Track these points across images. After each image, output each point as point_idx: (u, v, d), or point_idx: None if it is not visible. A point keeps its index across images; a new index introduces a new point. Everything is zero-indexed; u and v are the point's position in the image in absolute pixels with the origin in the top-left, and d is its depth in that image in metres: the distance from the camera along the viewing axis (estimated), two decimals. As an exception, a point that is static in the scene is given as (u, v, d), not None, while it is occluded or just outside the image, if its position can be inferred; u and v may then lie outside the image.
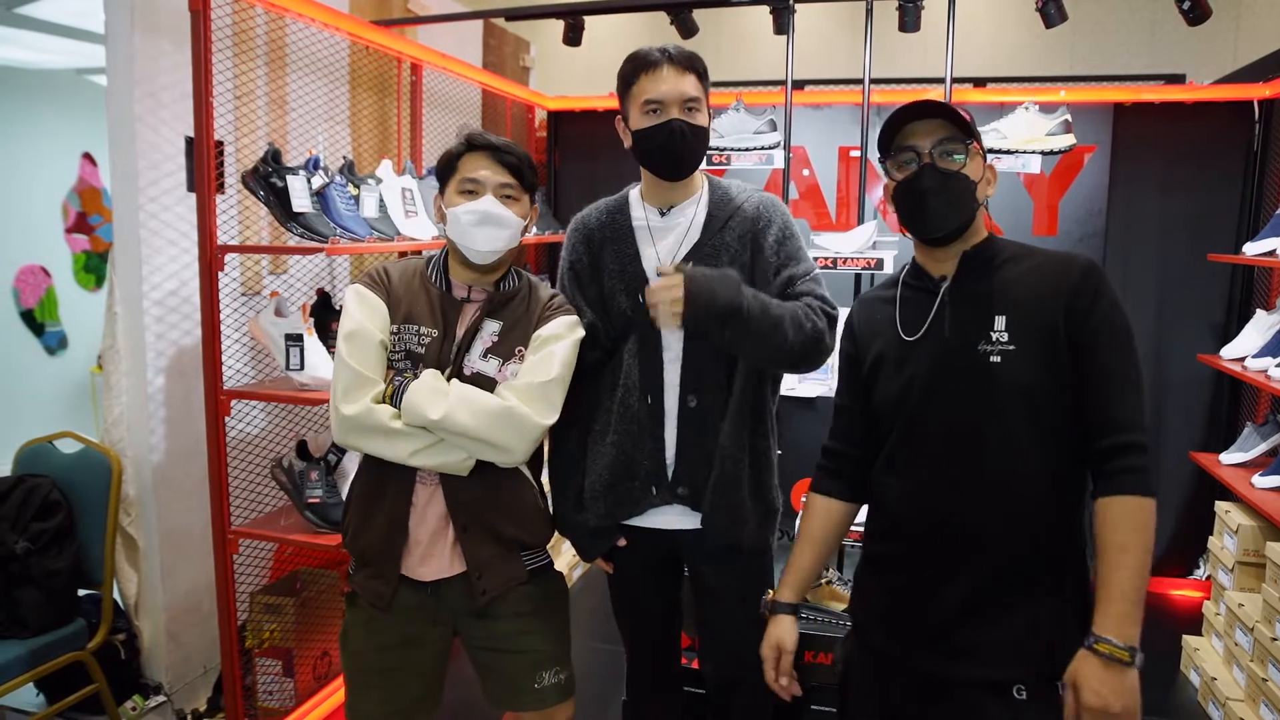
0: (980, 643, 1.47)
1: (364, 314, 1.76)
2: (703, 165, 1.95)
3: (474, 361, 1.80)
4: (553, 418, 1.79)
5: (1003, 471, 1.46)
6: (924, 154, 1.50)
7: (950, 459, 1.50)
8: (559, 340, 1.81)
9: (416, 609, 1.83)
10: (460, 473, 1.76)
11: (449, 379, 1.76)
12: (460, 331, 1.81)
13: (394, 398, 1.72)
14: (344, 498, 1.99)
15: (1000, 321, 1.46)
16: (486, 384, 1.78)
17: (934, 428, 1.52)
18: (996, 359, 1.45)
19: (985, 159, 1.55)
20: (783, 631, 1.71)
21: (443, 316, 1.81)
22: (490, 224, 1.77)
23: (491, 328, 1.82)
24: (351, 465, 2.60)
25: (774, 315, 1.75)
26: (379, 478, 1.81)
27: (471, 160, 1.81)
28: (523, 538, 1.86)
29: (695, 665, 2.50)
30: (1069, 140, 2.57)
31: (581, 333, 1.86)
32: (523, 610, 1.87)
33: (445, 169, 1.85)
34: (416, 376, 1.74)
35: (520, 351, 1.82)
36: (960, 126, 1.49)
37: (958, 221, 1.51)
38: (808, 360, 1.83)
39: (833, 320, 1.85)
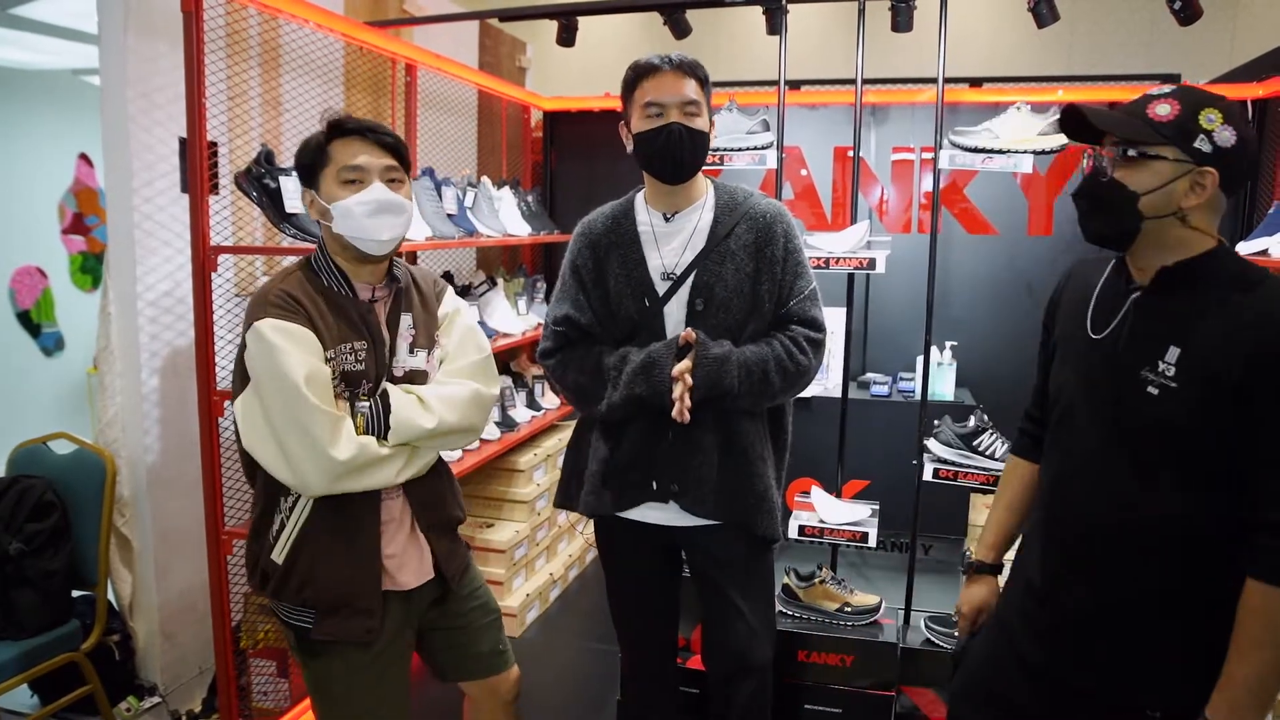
0: (1125, 658, 1.42)
1: (305, 350, 1.61)
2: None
3: (404, 360, 1.79)
4: (498, 388, 1.88)
5: (1134, 503, 1.39)
6: (1101, 158, 1.40)
7: (1087, 471, 1.45)
8: (462, 314, 1.89)
9: (401, 622, 1.81)
10: (425, 471, 1.79)
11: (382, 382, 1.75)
12: (386, 335, 1.77)
13: (371, 426, 1.66)
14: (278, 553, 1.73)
15: (1173, 353, 1.34)
16: (420, 378, 1.81)
17: (1078, 435, 1.48)
18: (1154, 390, 1.34)
19: (1205, 160, 1.32)
20: (973, 591, 1.77)
21: (364, 324, 1.73)
22: (387, 212, 1.68)
23: (406, 322, 1.80)
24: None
25: (758, 374, 1.85)
26: (341, 513, 1.70)
27: (346, 146, 1.69)
28: (460, 516, 1.93)
29: (689, 665, 2.51)
30: (1060, 140, 2.56)
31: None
32: (473, 583, 1.96)
33: (313, 158, 1.70)
34: (361, 398, 1.69)
35: (437, 336, 1.86)
36: (1140, 134, 1.34)
37: (1107, 231, 1.41)
38: (794, 393, 1.95)
39: (818, 344, 1.93)
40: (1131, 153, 1.35)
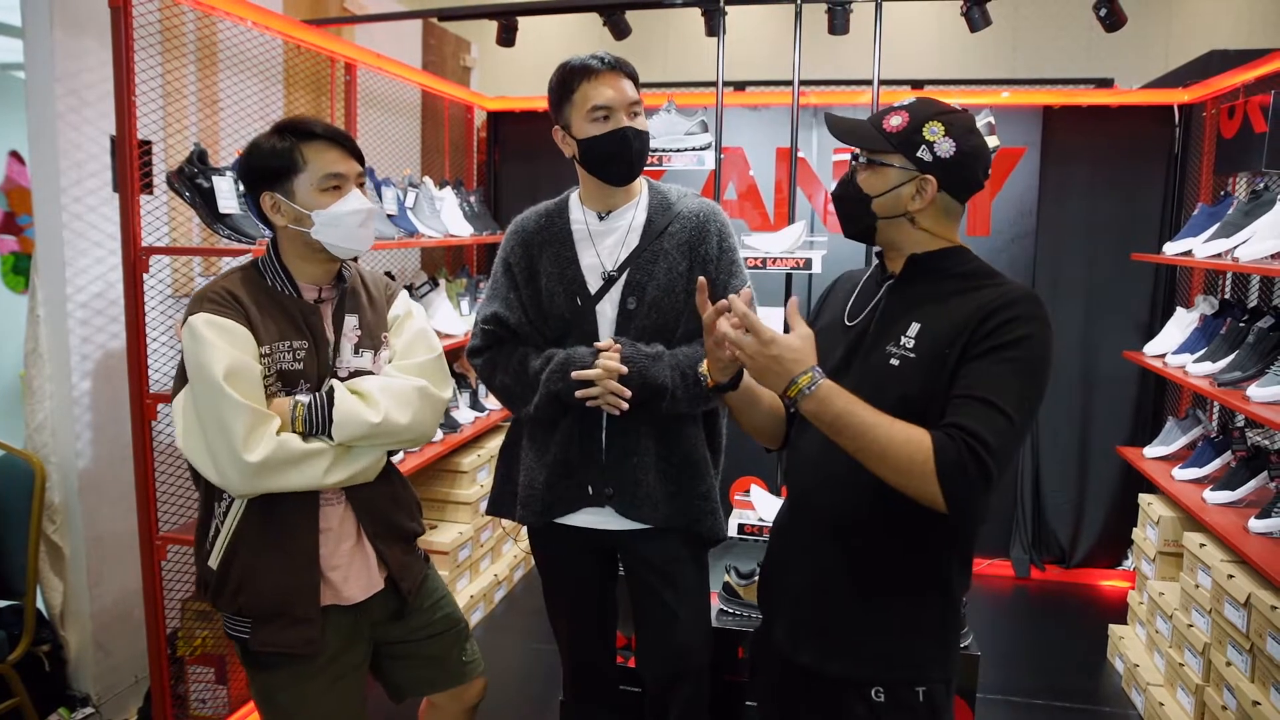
0: (835, 634, 1.49)
1: (233, 345, 1.59)
2: None
3: (348, 360, 1.77)
4: (449, 391, 1.84)
5: (865, 480, 1.40)
6: (854, 163, 1.53)
7: (833, 444, 1.46)
8: (415, 317, 1.86)
9: (349, 635, 1.78)
10: (370, 478, 1.74)
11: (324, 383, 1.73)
12: (330, 335, 1.75)
13: (309, 423, 1.63)
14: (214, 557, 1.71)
15: (914, 329, 1.44)
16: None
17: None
18: (895, 362, 1.43)
19: (926, 169, 1.42)
20: None
21: (306, 324, 1.72)
22: (372, 221, 1.74)
23: (352, 322, 1.79)
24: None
25: (691, 375, 1.86)
26: (274, 516, 1.66)
27: (322, 152, 1.68)
28: (415, 529, 1.89)
29: (631, 664, 2.52)
30: (992, 142, 2.62)
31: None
32: (435, 594, 1.93)
33: (284, 163, 1.67)
34: (299, 393, 1.68)
35: (385, 337, 1.83)
36: (871, 143, 1.46)
37: (851, 229, 1.54)
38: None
39: None
40: (863, 159, 1.47)
